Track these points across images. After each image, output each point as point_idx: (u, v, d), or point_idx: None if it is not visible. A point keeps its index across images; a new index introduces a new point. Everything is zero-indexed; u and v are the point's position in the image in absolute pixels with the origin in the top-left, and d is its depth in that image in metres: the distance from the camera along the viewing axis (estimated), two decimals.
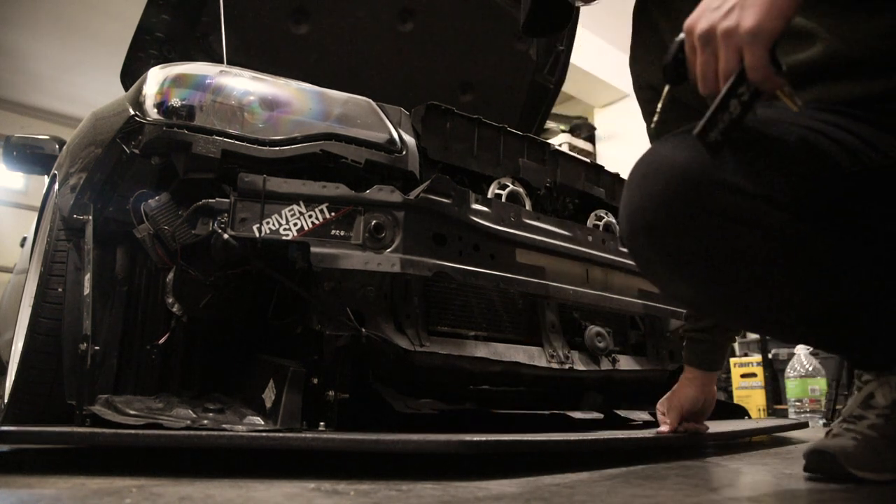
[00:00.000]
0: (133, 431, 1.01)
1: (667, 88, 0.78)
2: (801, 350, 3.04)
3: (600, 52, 5.41)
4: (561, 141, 5.44)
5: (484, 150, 1.58)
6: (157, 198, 1.25)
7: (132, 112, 1.26)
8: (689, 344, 1.33)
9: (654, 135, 1.10)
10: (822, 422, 2.71)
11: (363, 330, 1.20)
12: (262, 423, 1.12)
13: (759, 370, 3.45)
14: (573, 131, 5.70)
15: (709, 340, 1.30)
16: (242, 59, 1.94)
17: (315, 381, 1.18)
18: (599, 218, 1.76)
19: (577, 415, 1.60)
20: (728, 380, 3.78)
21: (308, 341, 1.24)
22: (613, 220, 1.79)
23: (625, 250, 1.67)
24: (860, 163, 0.79)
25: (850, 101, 0.85)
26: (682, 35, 0.77)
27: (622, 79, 5.62)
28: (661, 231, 0.81)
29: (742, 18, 0.69)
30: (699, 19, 0.73)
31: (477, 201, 1.39)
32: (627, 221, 0.85)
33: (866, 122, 0.83)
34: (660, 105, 0.83)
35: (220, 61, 1.82)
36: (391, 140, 1.37)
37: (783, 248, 0.78)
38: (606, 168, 1.85)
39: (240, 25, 2.01)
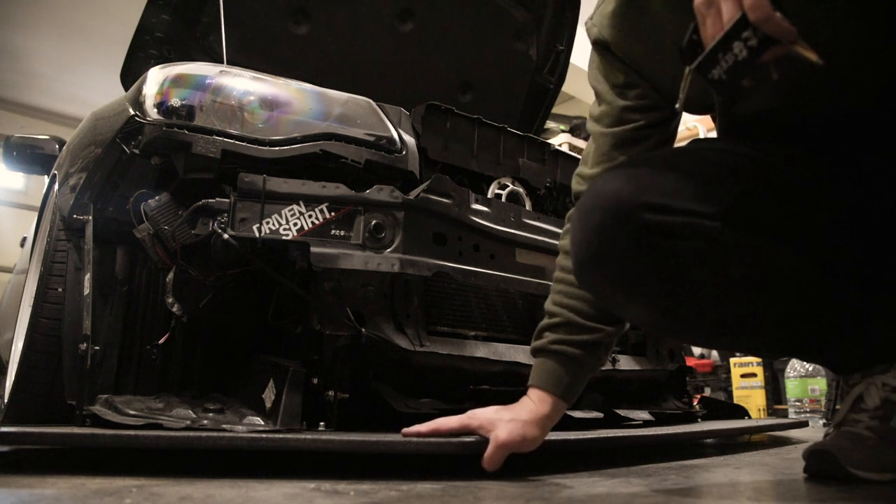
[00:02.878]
0: (133, 432, 1.01)
1: (687, 70, 0.80)
2: None
3: None
4: (561, 141, 5.43)
5: (484, 150, 1.58)
6: (157, 198, 1.25)
7: (132, 112, 1.25)
8: (550, 358, 1.02)
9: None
10: (822, 422, 2.72)
11: (363, 330, 1.20)
12: (262, 423, 1.12)
13: (759, 370, 3.45)
14: (573, 131, 5.70)
15: (581, 359, 1.00)
16: (242, 59, 1.94)
17: (315, 381, 1.18)
18: None
19: (577, 414, 1.59)
20: (728, 380, 3.78)
21: (308, 341, 1.24)
22: None
23: None
24: (775, 174, 0.87)
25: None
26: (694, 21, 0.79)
27: None
28: (605, 258, 0.86)
29: None
30: None
31: (477, 201, 1.39)
32: (575, 256, 0.91)
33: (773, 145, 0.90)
34: (683, 85, 0.83)
35: (220, 61, 1.82)
36: (391, 140, 1.37)
37: (720, 255, 0.83)
38: None
39: (240, 25, 2.01)
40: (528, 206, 1.60)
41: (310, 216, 1.18)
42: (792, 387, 2.98)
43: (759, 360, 3.50)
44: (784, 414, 3.23)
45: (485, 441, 0.95)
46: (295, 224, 1.17)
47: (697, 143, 0.98)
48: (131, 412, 1.11)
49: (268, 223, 1.16)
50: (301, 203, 1.19)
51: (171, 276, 1.27)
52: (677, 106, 0.83)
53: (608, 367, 1.58)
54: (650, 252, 0.83)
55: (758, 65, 0.73)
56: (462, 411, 1.02)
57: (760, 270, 0.85)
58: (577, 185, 1.10)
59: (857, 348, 0.95)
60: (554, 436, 1.07)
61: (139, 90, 1.29)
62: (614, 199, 0.84)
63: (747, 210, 0.83)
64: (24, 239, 2.60)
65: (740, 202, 0.83)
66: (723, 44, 0.73)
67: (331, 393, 1.17)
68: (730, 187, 0.84)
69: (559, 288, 1.05)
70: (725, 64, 0.74)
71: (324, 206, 1.20)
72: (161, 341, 1.31)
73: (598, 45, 1.07)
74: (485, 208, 1.40)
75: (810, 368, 2.95)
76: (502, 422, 0.96)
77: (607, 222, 0.84)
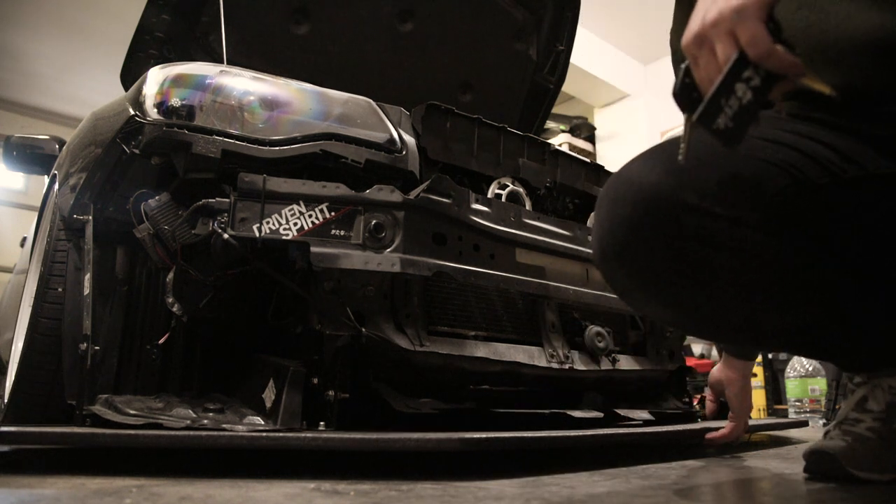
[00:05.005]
0: (133, 432, 1.01)
1: (685, 117, 0.72)
2: None
3: (600, 52, 5.42)
4: (561, 141, 5.44)
5: (484, 150, 1.58)
6: (157, 198, 1.25)
7: (132, 112, 1.25)
8: None
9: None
10: (822, 422, 2.72)
11: (363, 330, 1.20)
12: (262, 422, 1.12)
13: (759, 370, 3.45)
14: (573, 131, 5.71)
15: None
16: (242, 59, 1.94)
17: (315, 381, 1.18)
18: None
19: (578, 414, 1.60)
20: None
21: (308, 341, 1.24)
22: None
23: None
24: (831, 174, 0.80)
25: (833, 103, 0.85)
26: (686, 62, 0.72)
27: (622, 79, 5.63)
28: (631, 254, 0.81)
29: (727, 1, 0.66)
30: (689, 31, 0.71)
31: (477, 201, 1.39)
32: (598, 245, 0.86)
33: (846, 133, 0.84)
34: (684, 135, 0.75)
35: (220, 61, 1.82)
36: (391, 140, 1.37)
37: (755, 267, 0.79)
38: (606, 168, 1.85)
39: (240, 25, 2.01)
40: (528, 206, 1.60)
41: (310, 216, 1.18)
42: (792, 387, 2.98)
43: (759, 360, 3.50)
44: (784, 414, 3.23)
45: (484, 439, 0.96)
46: (295, 224, 1.17)
47: None
48: (131, 412, 1.11)
49: (268, 223, 1.16)
50: (301, 203, 1.19)
51: (171, 276, 1.27)
52: (680, 158, 0.76)
53: (608, 366, 1.58)
54: (681, 255, 0.78)
55: (765, 104, 0.66)
56: (462, 411, 1.02)
57: (791, 276, 0.81)
58: None
59: (867, 349, 0.94)
60: (554, 434, 1.07)
61: (139, 90, 1.29)
62: (651, 193, 0.77)
63: (791, 217, 0.78)
64: (24, 239, 2.60)
65: (785, 208, 0.77)
66: (723, 88, 0.65)
67: (331, 393, 1.17)
68: (775, 190, 0.78)
69: None
70: (730, 110, 0.66)
71: (324, 206, 1.20)
72: (161, 341, 1.31)
73: (672, 50, 1.09)
74: (485, 208, 1.40)
75: (810, 368, 2.95)
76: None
77: (639, 218, 0.78)
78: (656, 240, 0.78)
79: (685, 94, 0.70)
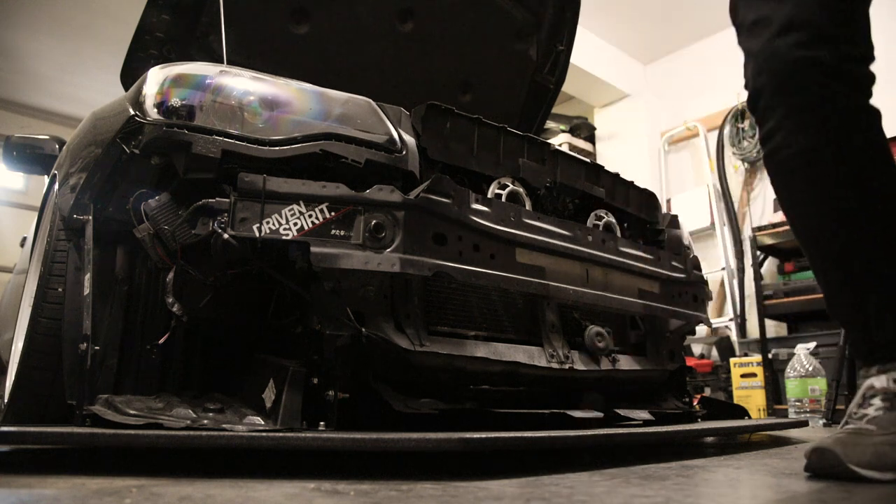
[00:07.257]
0: (133, 431, 1.01)
1: None
2: (801, 350, 3.05)
3: (600, 52, 5.41)
4: (561, 141, 5.44)
5: (484, 149, 1.58)
6: (157, 198, 1.25)
7: (132, 112, 1.25)
8: None
9: None
10: (822, 422, 2.72)
11: (363, 330, 1.20)
12: (262, 422, 1.12)
13: (759, 370, 3.45)
14: (573, 131, 5.71)
15: None
16: (242, 59, 1.94)
17: (315, 381, 1.18)
18: (599, 218, 1.76)
19: (577, 414, 1.59)
20: (728, 380, 3.78)
21: (308, 341, 1.24)
22: (613, 220, 1.79)
23: (624, 250, 1.67)
24: None
25: None
26: None
27: (622, 79, 5.63)
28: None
29: None
30: None
31: (477, 201, 1.39)
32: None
33: None
34: None
35: (220, 61, 1.82)
36: (391, 140, 1.37)
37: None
38: (606, 168, 1.85)
39: (240, 25, 2.01)
40: (528, 206, 1.60)
41: (310, 216, 1.18)
42: (792, 387, 2.98)
43: (758, 360, 3.51)
44: (784, 414, 3.23)
45: (484, 439, 0.95)
46: (295, 224, 1.17)
47: None
48: (131, 412, 1.11)
49: (268, 223, 1.16)
50: (301, 203, 1.19)
51: (171, 275, 1.27)
52: None
53: (608, 366, 1.58)
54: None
55: None
56: (462, 411, 1.02)
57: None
58: None
59: (880, 338, 0.96)
60: (554, 434, 1.07)
61: (139, 90, 1.29)
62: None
63: None
64: (24, 239, 2.60)
65: None
66: None
67: (331, 393, 1.17)
68: None
69: None
70: None
71: (324, 206, 1.19)
72: (161, 341, 1.31)
73: None
74: (485, 208, 1.40)
75: (810, 368, 2.95)
76: None
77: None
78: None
79: None
